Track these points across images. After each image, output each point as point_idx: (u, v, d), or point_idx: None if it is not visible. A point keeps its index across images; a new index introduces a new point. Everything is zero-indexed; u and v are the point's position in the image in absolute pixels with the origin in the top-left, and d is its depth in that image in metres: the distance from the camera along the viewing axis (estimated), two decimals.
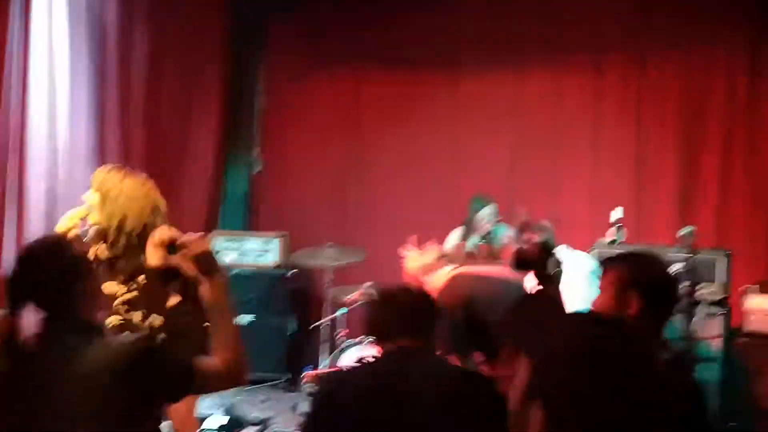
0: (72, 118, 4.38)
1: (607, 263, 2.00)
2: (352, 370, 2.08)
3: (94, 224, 2.26)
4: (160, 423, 1.79)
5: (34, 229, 3.95)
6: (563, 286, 3.23)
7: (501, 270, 2.63)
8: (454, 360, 1.98)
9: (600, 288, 1.94)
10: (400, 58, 5.83)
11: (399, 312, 1.95)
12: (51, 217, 4.11)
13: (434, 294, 2.29)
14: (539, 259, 2.27)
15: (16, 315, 1.65)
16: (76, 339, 1.64)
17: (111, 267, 2.23)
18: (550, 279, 2.31)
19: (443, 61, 5.76)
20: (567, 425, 1.02)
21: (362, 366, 1.98)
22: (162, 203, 2.48)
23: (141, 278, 2.22)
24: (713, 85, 5.13)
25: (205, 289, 1.77)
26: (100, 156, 4.77)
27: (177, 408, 2.93)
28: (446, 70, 5.78)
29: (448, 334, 1.96)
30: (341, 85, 6.04)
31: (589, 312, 1.56)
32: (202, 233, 1.84)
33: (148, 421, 1.71)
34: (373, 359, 1.98)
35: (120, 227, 2.26)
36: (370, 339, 2.13)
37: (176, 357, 1.71)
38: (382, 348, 1.97)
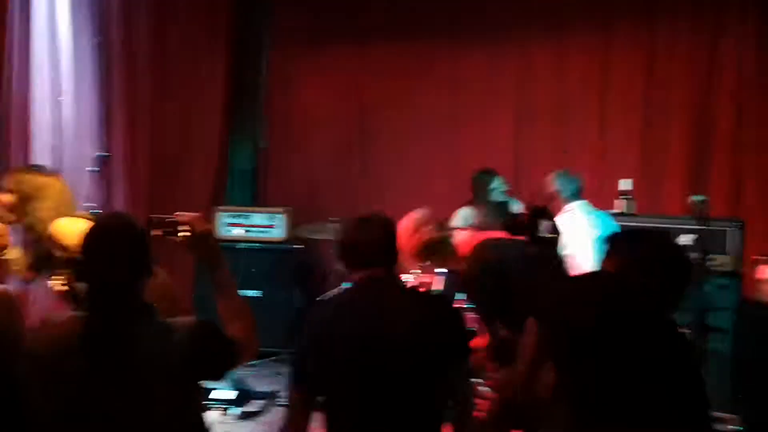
0: (77, 96, 4.35)
1: (609, 244, 1.91)
2: (332, 299, 2.23)
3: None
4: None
5: None
6: (571, 248, 3.17)
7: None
8: (481, 325, 1.98)
9: (602, 266, 1.88)
10: (404, 31, 5.76)
11: (369, 242, 2.06)
12: None
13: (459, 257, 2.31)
14: (529, 224, 2.22)
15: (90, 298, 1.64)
16: (140, 320, 1.63)
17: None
18: (544, 242, 2.24)
19: (446, 34, 5.69)
20: (581, 384, 1.00)
21: (341, 295, 2.14)
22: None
23: None
24: (723, 53, 5.02)
25: (208, 268, 1.80)
26: (107, 133, 4.75)
27: None
28: (449, 43, 5.71)
29: (477, 300, 1.99)
30: (345, 59, 5.98)
31: (599, 271, 1.52)
32: (200, 213, 1.83)
33: (198, 402, 1.77)
34: (350, 288, 2.11)
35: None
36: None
37: (225, 335, 1.73)
38: (354, 276, 2.08)
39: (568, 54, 5.43)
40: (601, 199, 4.54)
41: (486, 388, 1.85)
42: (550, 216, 2.25)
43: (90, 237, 1.68)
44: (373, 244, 2.06)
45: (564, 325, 1.04)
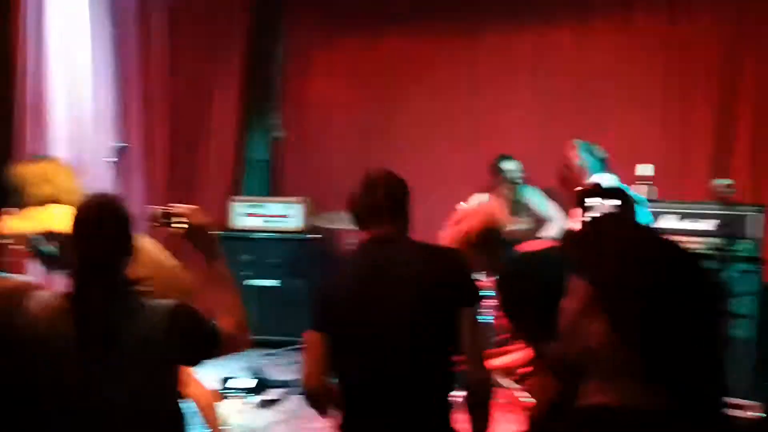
0: (94, 87, 4.37)
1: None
2: (344, 258, 2.26)
3: None
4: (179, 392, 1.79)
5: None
6: None
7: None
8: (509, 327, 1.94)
9: None
10: (420, 17, 5.73)
11: (379, 201, 2.07)
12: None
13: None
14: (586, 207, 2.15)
15: (83, 278, 1.66)
16: (122, 301, 1.66)
17: None
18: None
19: (464, 16, 5.63)
20: (633, 334, 1.03)
21: (352, 253, 2.14)
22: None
23: None
24: (747, 35, 4.93)
25: (202, 258, 1.82)
26: (124, 124, 4.78)
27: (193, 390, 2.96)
28: (467, 26, 5.65)
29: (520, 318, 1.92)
30: (361, 47, 5.97)
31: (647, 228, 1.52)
32: (196, 206, 1.84)
33: (174, 385, 1.75)
34: (360, 246, 2.10)
35: None
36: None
37: (207, 321, 1.74)
38: (365, 234, 2.09)
39: (589, 35, 5.36)
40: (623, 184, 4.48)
41: (522, 393, 1.79)
42: (613, 193, 2.17)
43: (77, 215, 1.72)
44: (378, 204, 2.07)
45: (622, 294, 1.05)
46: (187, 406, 2.87)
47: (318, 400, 2.08)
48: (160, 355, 1.64)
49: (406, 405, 1.96)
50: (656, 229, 1.51)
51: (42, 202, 2.57)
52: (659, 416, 1.02)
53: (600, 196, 2.14)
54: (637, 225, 1.67)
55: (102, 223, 1.69)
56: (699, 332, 1.03)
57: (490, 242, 2.43)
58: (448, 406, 2.01)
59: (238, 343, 1.85)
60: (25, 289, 1.79)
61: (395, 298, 1.96)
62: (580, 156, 3.80)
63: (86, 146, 4.21)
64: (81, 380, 1.63)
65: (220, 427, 3.14)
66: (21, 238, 2.48)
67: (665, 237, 1.11)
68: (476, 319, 1.98)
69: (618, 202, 2.17)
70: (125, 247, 1.71)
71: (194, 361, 1.80)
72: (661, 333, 1.02)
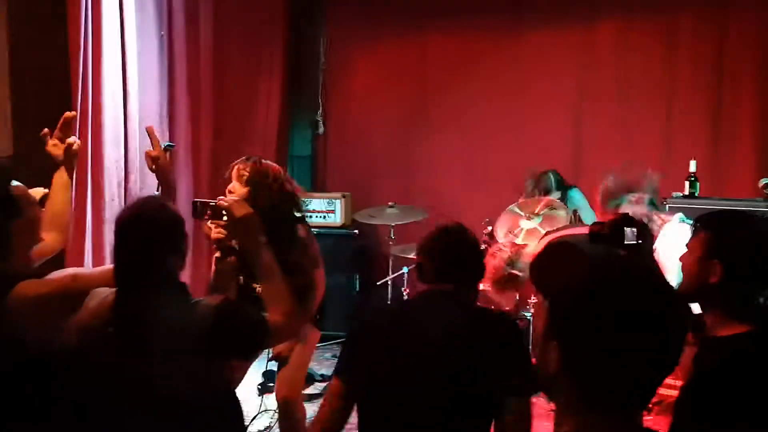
0: (142, 85, 4.48)
1: (698, 223, 1.86)
2: (391, 306, 2.15)
3: None
4: (236, 385, 1.85)
5: (110, 196, 4.10)
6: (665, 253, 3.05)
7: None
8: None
9: (687, 247, 1.83)
10: (462, 14, 5.69)
11: (447, 261, 1.99)
12: (125, 183, 4.26)
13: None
14: (611, 235, 2.13)
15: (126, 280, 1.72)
16: (169, 298, 1.71)
17: None
18: (632, 249, 2.15)
19: (508, 14, 5.59)
20: (579, 364, 1.00)
21: (401, 302, 2.04)
22: None
23: None
24: None
25: (252, 251, 1.83)
26: (170, 122, 4.89)
27: (288, 376, 3.01)
28: (511, 24, 5.61)
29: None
30: (403, 43, 5.97)
31: (609, 253, 1.49)
32: (236, 197, 1.88)
33: (225, 380, 1.79)
34: (411, 298, 2.01)
35: None
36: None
37: (254, 315, 1.77)
38: (425, 287, 2.02)
39: (634, 32, 5.26)
40: (667, 181, 4.41)
41: None
42: (636, 223, 2.15)
43: (122, 216, 1.78)
44: (446, 263, 1.99)
45: (567, 320, 1.03)
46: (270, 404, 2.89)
47: None
48: (207, 351, 1.66)
49: None
50: (631, 254, 1.48)
51: None
52: None
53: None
54: (608, 251, 1.63)
55: (140, 223, 1.73)
56: (646, 363, 1.00)
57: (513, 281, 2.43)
58: None
59: (289, 332, 1.86)
60: (77, 288, 1.85)
61: (430, 365, 1.83)
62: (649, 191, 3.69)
63: (133, 146, 4.33)
64: (123, 373, 1.68)
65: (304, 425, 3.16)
66: None
67: (634, 263, 1.09)
68: (525, 415, 1.80)
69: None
70: (166, 247, 1.73)
71: (245, 355, 1.82)
72: (605, 363, 0.99)
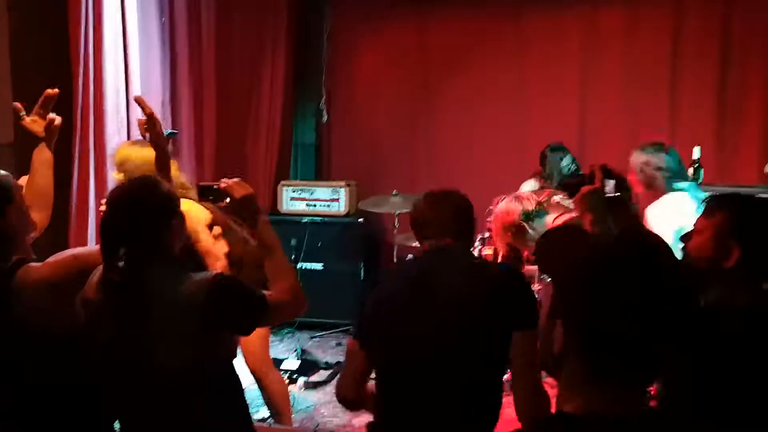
0: (144, 72, 4.47)
1: (712, 203, 1.81)
2: (399, 266, 2.22)
3: None
4: (234, 357, 1.86)
5: (113, 183, 4.10)
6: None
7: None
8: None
9: (698, 226, 1.78)
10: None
11: (438, 215, 2.07)
12: None
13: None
14: (591, 182, 2.09)
15: (113, 256, 1.73)
16: (161, 271, 1.72)
17: None
18: (611, 201, 2.10)
19: (511, 1, 5.55)
20: (583, 342, 1.02)
21: (407, 262, 2.08)
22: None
23: None
24: None
25: (252, 229, 1.90)
26: (174, 108, 4.88)
27: (251, 349, 3.05)
28: (513, 11, 5.57)
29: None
30: (407, 30, 5.93)
31: (612, 234, 1.49)
32: (239, 178, 1.93)
33: (222, 353, 1.79)
34: (416, 257, 2.12)
35: None
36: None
37: (252, 290, 1.78)
38: (424, 245, 2.10)
39: (638, 17, 5.22)
40: None
41: None
42: (615, 176, 2.10)
43: (112, 193, 1.82)
44: (442, 218, 2.06)
45: (573, 299, 1.05)
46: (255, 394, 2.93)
47: (352, 407, 2.17)
48: (201, 323, 1.66)
49: (448, 424, 1.92)
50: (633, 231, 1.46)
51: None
52: (621, 422, 1.00)
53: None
54: (609, 233, 1.63)
55: (131, 198, 1.77)
56: (648, 338, 1.01)
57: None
58: (491, 423, 1.96)
59: (292, 309, 1.89)
60: (79, 267, 1.86)
61: (444, 316, 1.92)
62: (660, 162, 3.42)
63: (136, 134, 4.32)
64: (118, 346, 1.72)
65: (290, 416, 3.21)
66: None
67: (639, 241, 1.09)
68: (532, 344, 1.89)
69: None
70: (154, 222, 1.75)
71: (242, 329, 1.82)
72: (606, 339, 1.00)
